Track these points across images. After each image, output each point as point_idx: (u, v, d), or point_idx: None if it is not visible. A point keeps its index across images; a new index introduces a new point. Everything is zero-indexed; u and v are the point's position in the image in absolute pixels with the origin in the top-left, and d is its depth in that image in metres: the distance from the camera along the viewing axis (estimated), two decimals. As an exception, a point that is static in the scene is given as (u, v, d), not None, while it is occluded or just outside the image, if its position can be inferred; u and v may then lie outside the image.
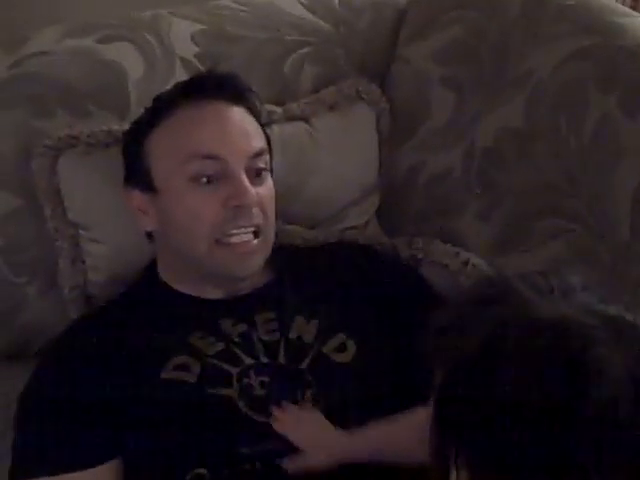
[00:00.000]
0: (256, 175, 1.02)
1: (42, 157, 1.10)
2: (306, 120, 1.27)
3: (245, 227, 0.99)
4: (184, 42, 1.27)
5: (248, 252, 1.00)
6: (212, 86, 1.04)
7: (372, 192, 1.31)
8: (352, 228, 1.27)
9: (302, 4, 1.39)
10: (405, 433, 0.84)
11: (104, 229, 1.13)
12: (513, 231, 1.17)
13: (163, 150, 1.02)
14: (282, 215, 1.20)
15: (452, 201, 1.25)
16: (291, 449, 0.89)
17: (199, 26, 1.29)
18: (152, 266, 1.09)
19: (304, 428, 0.91)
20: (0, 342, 1.18)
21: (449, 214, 1.24)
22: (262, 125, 1.08)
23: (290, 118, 1.26)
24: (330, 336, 1.00)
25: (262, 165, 1.03)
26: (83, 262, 1.13)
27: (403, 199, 1.31)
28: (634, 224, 1.07)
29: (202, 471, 0.90)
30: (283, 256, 1.10)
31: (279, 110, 1.26)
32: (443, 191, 1.26)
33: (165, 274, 1.07)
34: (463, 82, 1.28)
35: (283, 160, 1.22)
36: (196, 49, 1.27)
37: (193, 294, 1.04)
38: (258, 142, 1.04)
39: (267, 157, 1.05)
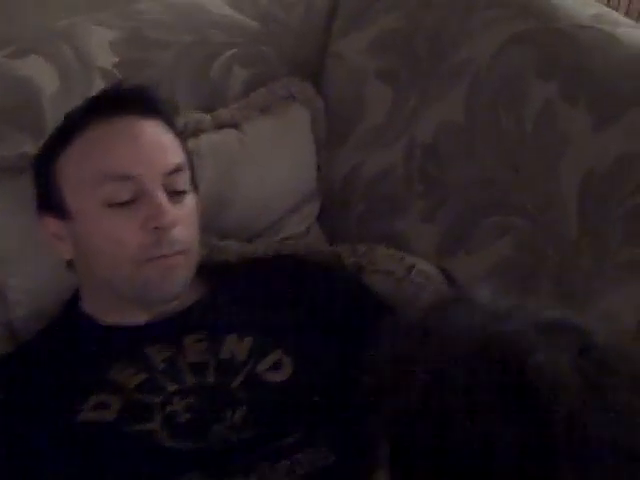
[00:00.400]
0: (176, 195, 0.96)
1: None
2: (237, 126, 1.20)
3: (168, 256, 0.94)
4: (102, 51, 1.19)
5: (171, 267, 0.94)
6: (122, 100, 0.98)
7: (311, 198, 1.25)
8: (292, 237, 1.21)
9: (227, 3, 1.32)
10: None
11: (23, 261, 1.06)
12: (458, 231, 1.12)
13: (74, 172, 0.96)
14: (215, 230, 1.15)
15: (395, 202, 1.19)
16: (222, 474, 0.84)
17: (118, 33, 1.22)
18: (74, 298, 1.03)
19: None
20: None
21: (392, 216, 1.19)
22: (180, 138, 1.02)
23: (219, 125, 1.19)
24: (265, 354, 0.94)
25: (181, 186, 0.97)
26: (5, 298, 1.05)
27: (344, 203, 1.24)
28: (582, 217, 1.02)
29: None
30: (215, 273, 1.04)
31: (207, 118, 1.19)
32: (385, 192, 1.20)
33: (88, 305, 1.01)
34: (399, 75, 1.22)
35: (214, 171, 1.16)
36: (115, 59, 1.19)
37: (117, 323, 0.98)
38: (175, 157, 0.98)
39: (187, 175, 0.99)
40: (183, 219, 0.95)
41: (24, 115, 1.12)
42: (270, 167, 1.21)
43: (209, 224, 1.13)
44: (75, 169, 0.96)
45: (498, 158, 1.10)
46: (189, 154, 1.03)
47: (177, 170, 0.97)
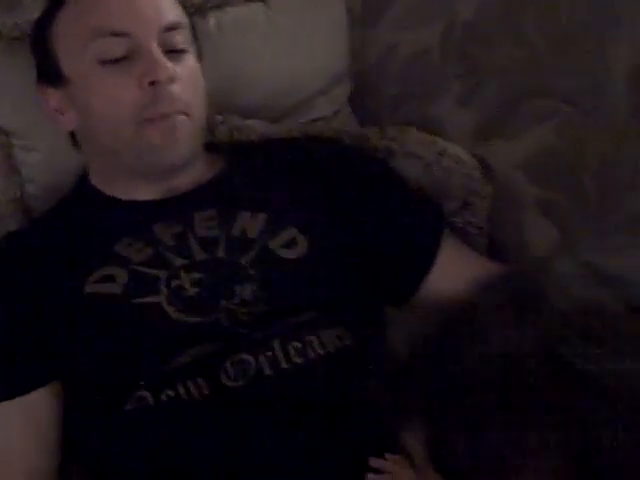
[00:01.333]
0: (174, 53, 0.92)
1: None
2: (264, 1, 1.14)
3: (168, 114, 0.89)
4: None
5: (173, 128, 0.90)
6: None
7: (342, 79, 1.19)
8: (320, 119, 1.16)
9: None
10: None
11: (37, 134, 1.03)
12: (496, 115, 1.06)
13: (67, 32, 0.93)
14: (238, 109, 1.10)
15: (430, 85, 1.12)
16: (231, 350, 0.82)
17: None
18: (85, 174, 1.00)
19: None
20: None
21: (426, 99, 1.12)
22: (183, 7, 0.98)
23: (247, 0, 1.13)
24: (279, 231, 0.91)
25: (179, 44, 0.93)
26: (18, 174, 1.03)
27: (377, 85, 1.19)
28: (634, 103, 0.94)
29: (144, 394, 0.82)
30: (233, 152, 1.00)
31: (233, -11, 1.13)
32: (420, 74, 1.14)
33: (95, 178, 0.98)
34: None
35: (237, 46, 1.11)
36: None
37: (125, 197, 0.95)
38: (171, 14, 0.94)
39: (186, 35, 0.95)
40: (183, 77, 0.91)
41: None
42: (298, 43, 1.15)
43: (231, 102, 1.10)
44: (68, 29, 0.93)
45: (543, 37, 1.01)
46: (192, 21, 0.99)
47: (174, 28, 0.93)
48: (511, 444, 0.62)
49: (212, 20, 1.10)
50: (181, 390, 0.81)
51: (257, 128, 1.09)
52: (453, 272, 0.98)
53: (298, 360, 0.82)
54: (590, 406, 0.61)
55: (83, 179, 1.00)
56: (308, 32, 1.16)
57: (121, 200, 0.95)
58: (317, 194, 0.96)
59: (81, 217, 0.96)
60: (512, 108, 1.05)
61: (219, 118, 1.06)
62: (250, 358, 0.82)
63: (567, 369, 0.62)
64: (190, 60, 0.95)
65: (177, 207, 0.93)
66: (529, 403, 0.62)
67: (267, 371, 0.81)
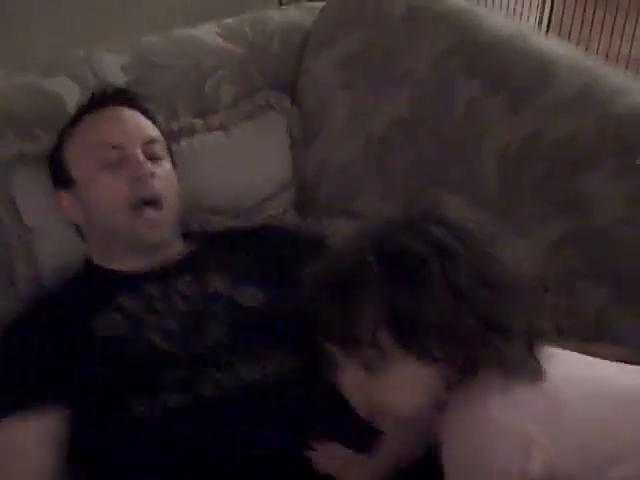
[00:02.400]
0: (153, 159, 1.25)
1: None
2: (225, 130, 1.47)
3: (149, 201, 1.21)
4: (115, 72, 1.45)
5: (154, 220, 1.22)
6: (111, 96, 1.30)
7: (288, 186, 1.51)
8: (272, 217, 1.46)
9: (219, 34, 1.59)
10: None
11: (53, 229, 1.31)
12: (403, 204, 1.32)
13: (76, 148, 1.26)
14: (207, 208, 1.41)
15: (355, 186, 1.44)
16: (205, 370, 1.07)
17: (128, 58, 1.49)
18: (88, 259, 1.29)
19: (339, 463, 1.01)
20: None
21: (352, 197, 1.44)
22: (161, 130, 1.32)
23: (211, 129, 1.46)
24: (241, 287, 1.19)
25: (157, 153, 1.26)
26: (36, 259, 1.31)
27: (315, 189, 1.51)
28: (499, 184, 1.27)
29: (140, 408, 1.06)
30: (204, 237, 1.32)
31: (200, 122, 1.46)
32: (347, 179, 1.46)
33: (97, 258, 1.28)
34: (358, 85, 1.48)
35: (206, 163, 1.42)
36: (126, 78, 1.45)
37: (122, 269, 1.24)
38: (150, 132, 1.28)
39: (163, 146, 1.28)
40: (160, 175, 1.24)
41: (53, 121, 1.38)
42: (252, 160, 1.47)
43: (201, 204, 1.41)
44: (76, 145, 1.26)
45: (436, 145, 1.35)
46: (168, 139, 1.33)
47: (153, 141, 1.27)
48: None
49: (184, 143, 1.42)
50: (167, 400, 1.06)
51: (222, 222, 1.40)
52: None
53: (257, 376, 1.08)
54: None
55: (88, 261, 1.29)
56: (259, 152, 1.48)
57: (119, 271, 1.24)
58: (269, 262, 1.25)
59: (89, 285, 1.24)
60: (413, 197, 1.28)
61: (192, 215, 1.37)
62: (220, 375, 1.08)
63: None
64: (166, 165, 1.28)
65: (163, 274, 1.22)
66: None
67: (231, 382, 1.07)
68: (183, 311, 1.16)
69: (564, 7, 2.92)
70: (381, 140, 1.42)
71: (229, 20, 1.65)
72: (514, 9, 2.92)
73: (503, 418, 0.78)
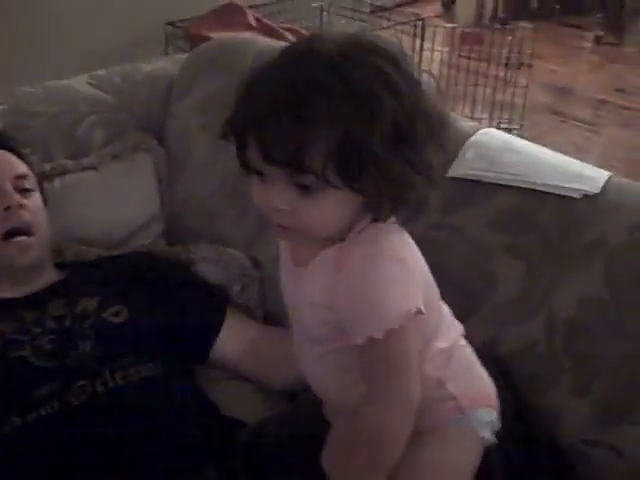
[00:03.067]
0: (23, 191, 1.39)
1: None
2: (95, 169, 1.63)
3: (19, 231, 1.34)
4: (-9, 120, 1.60)
5: (24, 243, 1.35)
6: None
7: (156, 218, 1.67)
8: (143, 246, 1.62)
9: (89, 83, 1.76)
10: None
11: None
12: (618, 403, 1.16)
13: None
14: (82, 240, 1.56)
15: (214, 215, 1.61)
16: (74, 380, 1.20)
17: (3, 106, 1.64)
18: None
19: None
20: None
21: (212, 224, 1.61)
22: (31, 167, 1.46)
23: (82, 168, 1.62)
24: (108, 307, 1.33)
25: (27, 185, 1.40)
26: None
27: (181, 220, 1.67)
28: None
29: (15, 419, 1.18)
30: (77, 264, 1.46)
31: (71, 162, 1.61)
32: (208, 209, 1.63)
33: None
34: (215, 126, 1.63)
35: (79, 199, 1.57)
36: (1, 124, 1.60)
37: (2, 297, 1.35)
38: (20, 168, 1.42)
39: (33, 182, 1.42)
40: (30, 207, 1.37)
41: None
42: (122, 197, 1.63)
43: (76, 236, 1.55)
44: None
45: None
46: (40, 177, 1.47)
47: (22, 177, 1.41)
48: None
49: (57, 182, 1.57)
50: (42, 411, 1.18)
51: (95, 251, 1.54)
52: (237, 334, 1.43)
53: (121, 382, 1.22)
54: None
55: None
56: (128, 188, 1.64)
57: None
58: (135, 284, 1.40)
59: None
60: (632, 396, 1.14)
61: (66, 246, 1.51)
62: (87, 383, 1.21)
63: None
64: (35, 198, 1.41)
65: (37, 299, 1.35)
66: None
67: (99, 389, 1.20)
68: (54, 330, 1.29)
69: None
70: (236, 173, 1.56)
71: (101, 71, 1.82)
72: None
73: (402, 255, 0.86)
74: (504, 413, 1.03)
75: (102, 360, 1.24)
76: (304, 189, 0.82)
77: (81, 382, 1.21)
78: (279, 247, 1.01)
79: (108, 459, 1.14)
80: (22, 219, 1.35)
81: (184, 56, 1.91)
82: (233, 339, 1.41)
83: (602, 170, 1.31)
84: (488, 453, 1.02)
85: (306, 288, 0.91)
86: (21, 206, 1.36)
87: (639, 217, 1.20)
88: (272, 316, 1.51)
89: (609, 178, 1.27)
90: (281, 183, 0.83)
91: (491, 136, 1.39)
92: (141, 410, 1.20)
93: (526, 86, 3.24)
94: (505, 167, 1.31)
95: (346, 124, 0.78)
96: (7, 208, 1.34)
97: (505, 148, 1.35)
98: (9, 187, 1.37)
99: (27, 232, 1.36)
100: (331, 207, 0.83)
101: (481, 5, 4.81)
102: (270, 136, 0.80)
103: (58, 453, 1.15)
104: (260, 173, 0.85)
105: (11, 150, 1.44)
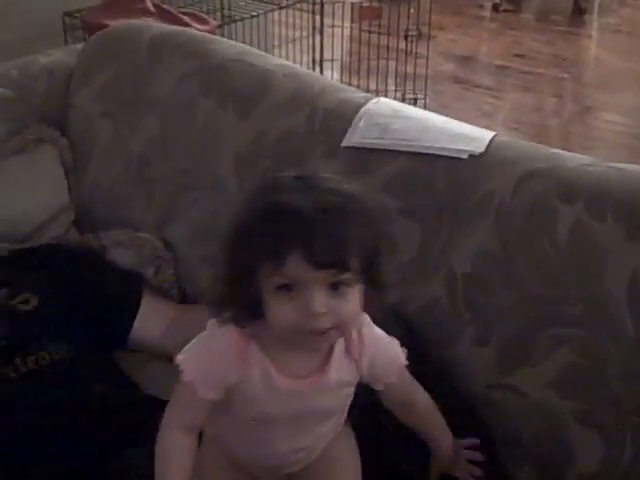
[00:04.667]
0: None
1: None
2: (-4, 163, 1.63)
3: None
4: None
5: None
6: None
7: (66, 209, 1.68)
8: (54, 238, 1.63)
9: (-17, 79, 1.75)
10: None
11: None
12: (516, 349, 1.22)
13: None
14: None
15: (123, 200, 1.64)
16: None
17: None
18: None
19: None
20: None
21: (122, 210, 1.64)
22: None
23: (-20, 166, 1.62)
24: (17, 295, 1.36)
25: None
26: None
27: (91, 208, 1.69)
28: (236, 180, 1.50)
29: None
30: None
31: (-29, 159, 1.61)
32: (116, 195, 1.65)
33: None
34: (115, 112, 1.68)
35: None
36: None
37: None
38: None
39: None
40: None
41: None
42: (27, 190, 1.64)
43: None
44: None
45: (183, 154, 1.55)
46: None
47: None
48: None
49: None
50: None
51: (6, 247, 1.54)
52: (155, 315, 1.46)
53: (33, 366, 1.25)
54: None
55: None
56: (33, 181, 1.65)
57: None
58: (43, 273, 1.42)
59: None
60: (529, 340, 1.20)
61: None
62: (2, 371, 1.23)
63: None
64: None
65: None
66: None
67: (12, 374, 1.23)
68: None
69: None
70: (140, 157, 1.62)
71: (-5, 66, 1.81)
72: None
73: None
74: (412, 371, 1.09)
75: (13, 347, 1.27)
76: (336, 289, 0.90)
77: None
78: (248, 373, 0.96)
79: (31, 445, 1.17)
80: None
81: (80, 46, 1.91)
82: (152, 320, 1.45)
83: (486, 130, 1.39)
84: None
85: (330, 381, 0.98)
86: None
87: (522, 172, 1.27)
88: (189, 296, 1.55)
89: (493, 137, 1.35)
90: (320, 287, 0.88)
91: (381, 105, 1.45)
92: (57, 392, 1.23)
93: (427, 57, 3.32)
94: (395, 134, 1.38)
95: (376, 227, 0.93)
96: None
97: (394, 116, 1.42)
98: None
99: None
100: (357, 301, 0.92)
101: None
102: (319, 241, 0.87)
103: None
104: (290, 288, 0.89)
105: None
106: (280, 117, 1.48)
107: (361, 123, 1.41)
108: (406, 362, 1.04)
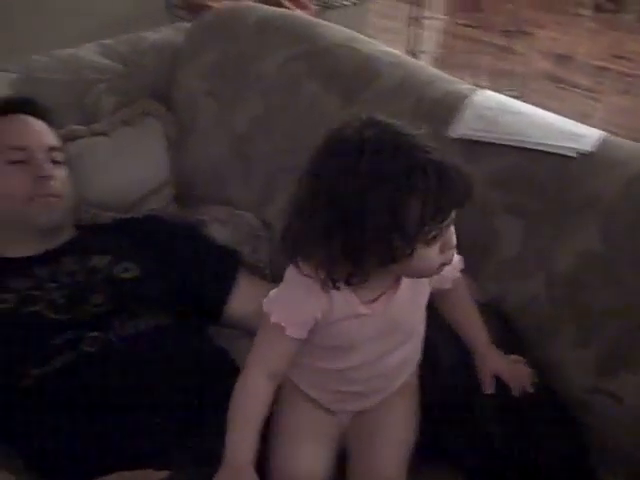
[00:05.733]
0: (54, 163, 1.45)
1: None
2: (106, 134, 1.68)
3: (46, 195, 1.40)
4: (3, 88, 1.64)
5: (49, 204, 1.42)
6: (20, 104, 1.50)
7: (167, 183, 1.72)
8: (155, 210, 1.66)
9: (97, 52, 1.81)
10: None
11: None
12: (614, 354, 1.20)
13: None
14: (96, 202, 1.61)
15: (223, 177, 1.66)
16: (86, 331, 1.26)
17: (15, 75, 1.68)
18: None
19: None
20: None
21: (222, 186, 1.66)
22: (57, 134, 1.51)
23: (93, 133, 1.67)
24: (119, 264, 1.39)
25: (58, 158, 1.47)
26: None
27: (191, 183, 1.72)
28: None
29: (33, 371, 1.24)
30: (92, 226, 1.52)
31: (83, 128, 1.66)
32: (217, 172, 1.68)
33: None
34: (219, 91, 1.70)
35: (90, 163, 1.62)
36: (13, 92, 1.64)
37: (15, 256, 1.41)
38: (54, 141, 1.48)
39: (62, 155, 1.48)
40: (57, 176, 1.44)
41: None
42: (133, 161, 1.68)
43: (89, 199, 1.60)
44: None
45: (285, 134, 1.56)
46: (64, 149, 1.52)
47: (55, 149, 1.47)
48: None
49: (70, 148, 1.60)
50: (58, 362, 1.24)
51: (111, 215, 1.59)
52: (249, 293, 1.47)
53: (132, 331, 1.28)
54: None
55: None
56: (139, 153, 1.69)
57: (11, 258, 1.41)
58: (145, 244, 1.45)
59: None
60: (630, 345, 1.18)
61: (85, 208, 1.57)
62: (100, 334, 1.27)
63: None
64: (64, 170, 1.47)
65: (51, 257, 1.40)
66: None
67: (112, 338, 1.27)
68: (68, 285, 1.35)
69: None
70: (242, 136, 1.65)
71: (108, 40, 1.86)
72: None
73: None
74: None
75: (112, 313, 1.31)
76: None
77: (93, 333, 1.27)
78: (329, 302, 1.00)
79: (125, 402, 1.21)
80: (51, 190, 1.42)
81: (187, 25, 1.94)
82: (245, 298, 1.46)
83: (596, 129, 1.36)
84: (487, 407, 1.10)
85: (404, 294, 1.03)
86: (50, 177, 1.42)
87: (632, 173, 1.25)
88: (281, 277, 1.56)
89: (603, 137, 1.32)
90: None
91: (487, 97, 1.43)
92: (153, 356, 1.26)
93: (525, 54, 3.26)
94: (503, 127, 1.36)
95: None
96: (37, 177, 1.41)
97: (501, 109, 1.40)
98: (42, 157, 1.43)
99: (54, 196, 1.42)
100: None
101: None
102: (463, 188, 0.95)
103: (76, 400, 1.21)
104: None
105: (46, 121, 1.50)
106: (385, 104, 1.48)
107: (466, 114, 1.40)
108: (462, 267, 1.09)
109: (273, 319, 1.00)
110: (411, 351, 1.11)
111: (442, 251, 0.95)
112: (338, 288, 0.97)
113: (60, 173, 1.45)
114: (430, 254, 0.94)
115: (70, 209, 1.47)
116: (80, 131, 1.65)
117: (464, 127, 1.38)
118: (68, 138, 1.62)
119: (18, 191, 1.40)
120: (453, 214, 0.94)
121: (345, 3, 2.93)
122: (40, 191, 1.40)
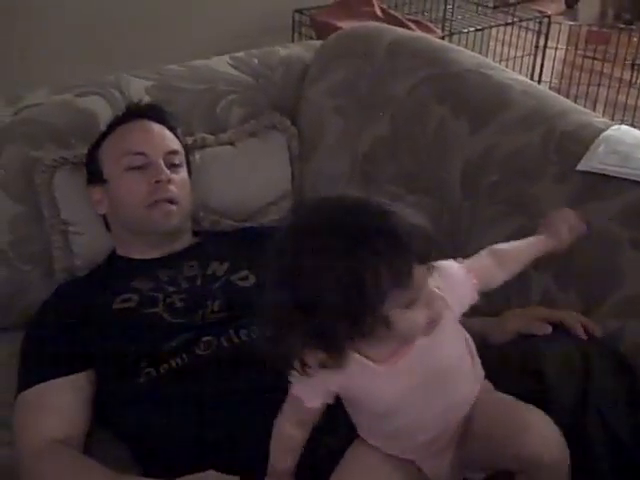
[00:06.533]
0: (172, 166, 1.49)
1: (43, 174, 1.54)
2: (233, 144, 1.72)
3: (164, 200, 1.45)
4: (140, 93, 1.71)
5: (168, 212, 1.46)
6: (143, 109, 1.55)
7: (287, 195, 1.75)
8: (273, 221, 1.69)
9: (230, 64, 1.85)
10: None
11: (85, 223, 1.56)
12: None
13: (110, 151, 1.50)
14: (217, 211, 1.65)
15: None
16: (201, 335, 1.29)
17: (151, 82, 1.75)
18: (112, 252, 1.54)
19: None
20: (9, 317, 1.57)
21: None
22: (179, 138, 1.56)
23: (220, 143, 1.71)
24: (237, 271, 1.43)
25: (176, 161, 1.51)
26: (71, 251, 1.55)
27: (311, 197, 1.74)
28: (462, 190, 1.50)
29: (149, 369, 1.28)
30: (211, 232, 1.56)
31: (212, 137, 1.71)
32: (338, 189, 1.69)
33: (119, 249, 1.52)
34: (347, 109, 1.73)
35: (216, 172, 1.66)
36: (149, 98, 1.71)
37: (139, 257, 1.47)
38: (172, 145, 1.52)
39: (182, 157, 1.53)
40: (176, 181, 1.48)
41: (86, 132, 1.62)
42: (256, 172, 1.71)
43: (212, 207, 1.64)
44: (110, 149, 1.50)
45: (411, 157, 1.58)
46: (187, 151, 1.56)
47: (173, 152, 1.51)
48: None
49: (197, 155, 1.66)
50: (172, 363, 1.28)
51: (229, 222, 1.63)
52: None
53: (245, 338, 1.30)
54: None
55: (112, 253, 1.53)
56: (262, 164, 1.72)
57: (136, 259, 1.48)
58: (263, 253, 1.47)
59: (111, 272, 1.48)
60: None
61: (203, 215, 1.61)
62: (213, 339, 1.29)
63: None
64: (183, 173, 1.52)
65: (172, 261, 1.45)
66: None
67: (225, 344, 1.29)
68: (186, 290, 1.39)
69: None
70: (366, 155, 1.66)
71: (240, 53, 1.91)
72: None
73: None
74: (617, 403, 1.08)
75: (228, 319, 1.33)
76: None
77: (207, 337, 1.30)
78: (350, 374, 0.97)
79: (235, 408, 1.22)
80: (169, 193, 1.46)
81: (317, 42, 1.98)
82: None
83: None
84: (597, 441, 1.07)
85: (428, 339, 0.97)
86: (169, 181, 1.46)
87: None
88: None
89: None
90: None
91: (623, 132, 1.40)
92: (264, 364, 1.27)
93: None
94: (636, 163, 1.33)
95: None
96: (157, 182, 1.45)
97: (637, 145, 1.37)
98: (161, 161, 1.47)
99: (172, 203, 1.46)
100: None
101: (605, 4, 4.73)
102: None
103: (186, 400, 1.24)
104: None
105: (166, 125, 1.55)
106: (514, 133, 1.47)
107: (600, 149, 1.37)
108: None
109: (293, 391, 1.02)
110: (466, 382, 1.04)
111: (427, 307, 0.92)
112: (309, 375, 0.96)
113: (178, 176, 1.49)
114: (412, 316, 0.91)
115: (188, 214, 1.51)
116: (208, 140, 1.70)
117: (596, 161, 1.36)
118: (197, 146, 1.67)
119: (137, 196, 1.45)
120: (422, 272, 0.90)
121: (472, 29, 2.93)
122: (158, 195, 1.45)
